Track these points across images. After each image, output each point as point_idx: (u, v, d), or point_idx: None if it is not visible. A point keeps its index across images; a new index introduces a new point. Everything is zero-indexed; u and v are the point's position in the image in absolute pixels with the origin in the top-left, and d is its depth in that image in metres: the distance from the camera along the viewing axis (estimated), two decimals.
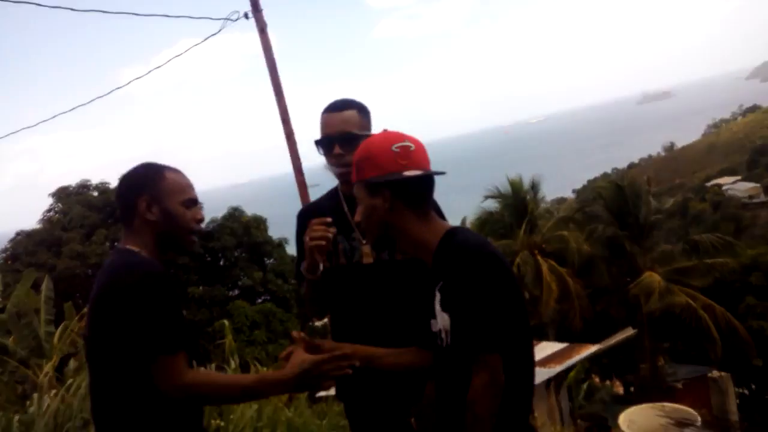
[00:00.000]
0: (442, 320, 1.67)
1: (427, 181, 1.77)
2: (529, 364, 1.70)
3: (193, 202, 1.98)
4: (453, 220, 2.49)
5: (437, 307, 1.68)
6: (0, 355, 8.96)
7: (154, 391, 1.72)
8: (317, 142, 2.33)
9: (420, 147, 1.77)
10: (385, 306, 2.28)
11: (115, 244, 2.10)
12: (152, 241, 1.90)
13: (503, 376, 1.56)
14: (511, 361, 1.61)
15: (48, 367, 8.58)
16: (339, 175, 2.33)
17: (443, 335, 1.68)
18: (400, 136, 1.77)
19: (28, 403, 5.80)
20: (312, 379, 1.72)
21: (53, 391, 5.74)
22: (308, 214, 2.43)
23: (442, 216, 2.32)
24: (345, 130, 2.26)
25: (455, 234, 1.72)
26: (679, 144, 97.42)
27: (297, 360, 1.73)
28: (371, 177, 1.74)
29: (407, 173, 1.70)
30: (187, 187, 1.98)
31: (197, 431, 1.92)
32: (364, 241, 2.29)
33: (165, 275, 1.79)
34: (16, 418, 5.17)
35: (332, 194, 2.45)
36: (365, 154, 1.77)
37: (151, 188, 1.90)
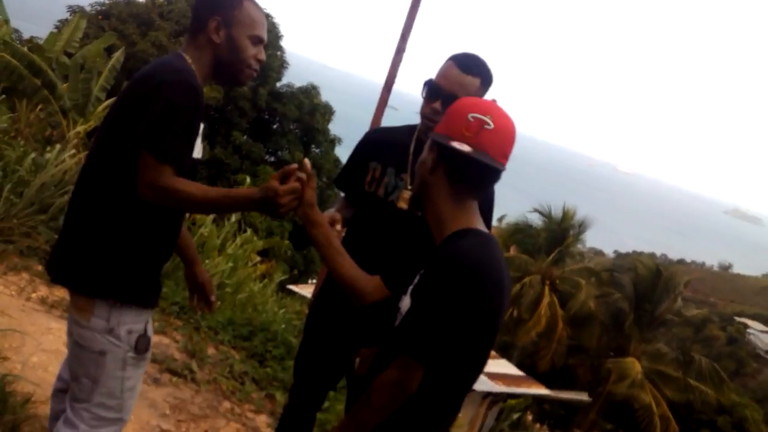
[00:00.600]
0: (404, 303, 1.62)
1: (474, 166, 1.55)
2: (463, 387, 1.63)
3: (259, 40, 1.92)
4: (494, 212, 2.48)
5: (410, 288, 1.63)
6: (47, 94, 9.25)
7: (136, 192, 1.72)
8: (427, 83, 2.24)
9: (501, 130, 1.56)
10: (391, 253, 2.28)
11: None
12: (209, 62, 1.87)
13: (413, 386, 1.51)
14: (442, 380, 1.56)
15: (81, 128, 8.89)
16: (424, 126, 2.28)
17: (398, 316, 1.64)
18: (487, 109, 1.57)
19: (48, 148, 6.06)
20: (270, 205, 1.70)
21: (73, 151, 5.98)
22: (378, 138, 2.48)
23: (488, 212, 2.33)
24: (456, 93, 2.12)
25: (463, 237, 1.59)
26: (737, 270, 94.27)
27: (266, 186, 1.73)
28: (438, 133, 1.62)
29: (456, 144, 1.54)
30: (260, 23, 1.92)
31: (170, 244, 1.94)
32: (409, 187, 2.28)
33: (198, 93, 1.76)
34: (32, 156, 5.41)
35: (409, 130, 2.40)
36: (449, 110, 1.64)
37: (226, 11, 1.85)
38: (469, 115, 1.55)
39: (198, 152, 1.90)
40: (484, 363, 1.64)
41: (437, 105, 2.18)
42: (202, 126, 1.87)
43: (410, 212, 2.28)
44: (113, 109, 1.81)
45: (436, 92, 2.20)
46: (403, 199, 2.28)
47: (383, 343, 1.72)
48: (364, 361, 2.31)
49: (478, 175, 1.59)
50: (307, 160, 1.84)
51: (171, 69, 1.75)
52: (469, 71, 2.17)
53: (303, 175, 1.75)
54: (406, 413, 1.57)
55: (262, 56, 1.94)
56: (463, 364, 1.57)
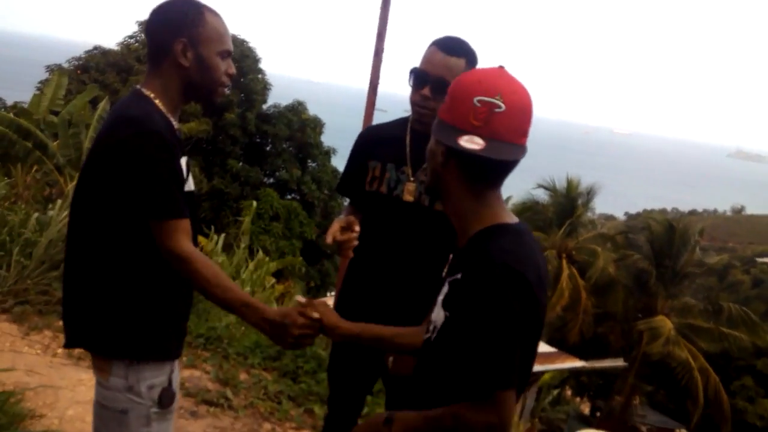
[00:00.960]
0: (437, 315, 1.45)
1: (490, 162, 1.37)
2: (523, 384, 1.45)
3: (228, 53, 1.80)
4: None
5: (440, 297, 1.46)
6: (40, 154, 9.32)
7: (143, 253, 1.67)
8: (413, 71, 2.22)
9: (515, 110, 1.36)
10: (405, 248, 2.29)
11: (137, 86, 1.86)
12: (178, 87, 1.76)
13: (512, 415, 1.34)
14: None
15: None
16: (415, 114, 2.26)
17: (431, 328, 1.47)
18: (494, 87, 1.36)
19: (50, 206, 6.10)
20: (282, 330, 1.69)
21: None
22: (372, 136, 2.47)
23: None
24: (443, 76, 2.12)
25: (493, 236, 1.41)
26: (750, 210, 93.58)
27: (286, 311, 1.70)
28: (441, 119, 1.44)
29: (464, 143, 1.35)
30: (226, 35, 1.79)
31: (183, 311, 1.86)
32: (411, 178, 2.27)
33: (162, 135, 1.64)
34: (35, 216, 5.45)
35: (401, 123, 2.39)
36: (452, 89, 1.43)
37: (190, 30, 1.71)
38: (476, 99, 1.36)
39: (191, 185, 1.83)
40: (534, 358, 1.50)
41: (426, 91, 2.17)
42: (185, 159, 1.78)
43: (417, 204, 2.27)
44: (84, 168, 1.73)
45: (422, 78, 2.18)
46: (408, 192, 2.28)
47: (422, 352, 1.56)
48: (397, 359, 2.31)
49: (495, 170, 1.42)
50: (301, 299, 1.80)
51: (126, 122, 1.64)
52: (453, 53, 2.16)
53: (316, 314, 1.73)
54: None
55: (232, 70, 1.84)
56: (522, 366, 1.41)
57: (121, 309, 1.70)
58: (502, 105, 1.35)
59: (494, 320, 1.30)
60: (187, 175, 1.80)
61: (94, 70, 20.66)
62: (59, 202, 6.19)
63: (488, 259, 1.34)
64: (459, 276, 1.40)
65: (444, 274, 1.56)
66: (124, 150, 1.61)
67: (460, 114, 1.38)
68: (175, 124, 1.77)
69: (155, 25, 1.75)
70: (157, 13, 1.75)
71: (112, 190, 1.64)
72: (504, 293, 1.31)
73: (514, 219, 1.48)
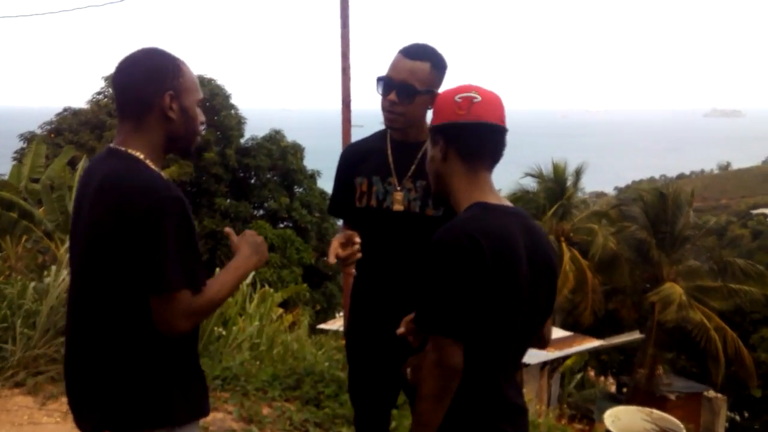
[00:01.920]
0: None
1: (481, 131, 1.66)
2: (500, 351, 1.62)
3: (201, 102, 1.79)
4: None
5: None
6: (27, 223, 9.25)
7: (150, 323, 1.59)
8: (379, 79, 2.26)
9: (490, 101, 1.67)
10: (404, 257, 2.29)
11: (110, 145, 1.76)
12: (160, 141, 1.70)
13: (455, 361, 1.53)
14: (477, 348, 1.57)
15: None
16: (387, 120, 2.28)
17: None
18: (468, 88, 1.69)
19: (45, 273, 6.03)
20: (259, 246, 1.84)
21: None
22: (354, 153, 2.46)
23: None
24: (407, 80, 2.17)
25: (466, 211, 1.65)
26: (736, 165, 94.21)
27: (240, 238, 1.85)
28: (434, 125, 1.72)
29: (456, 120, 1.65)
30: (198, 85, 1.78)
31: (193, 364, 1.79)
32: (398, 188, 2.28)
33: (182, 199, 1.60)
34: (32, 285, 5.38)
35: (381, 136, 2.42)
36: (435, 104, 1.76)
37: (173, 82, 1.67)
38: (456, 97, 1.67)
39: None
40: (516, 324, 1.62)
41: (392, 96, 2.20)
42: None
43: (408, 212, 2.28)
44: (85, 235, 1.64)
45: (388, 84, 2.22)
46: (397, 201, 2.29)
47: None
48: (415, 369, 2.28)
49: (485, 138, 1.68)
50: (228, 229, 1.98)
51: (139, 192, 1.55)
52: (416, 57, 2.19)
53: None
54: (469, 390, 1.59)
55: (203, 117, 1.81)
56: (494, 327, 1.58)
57: (157, 376, 1.64)
58: (479, 96, 1.67)
59: (431, 275, 1.56)
60: None
61: (67, 131, 20.64)
62: (53, 268, 6.12)
63: (442, 229, 1.58)
64: None
65: None
66: (159, 215, 1.53)
67: (444, 112, 1.69)
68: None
69: (136, 79, 1.66)
70: (135, 66, 1.68)
71: (132, 261, 1.56)
72: (446, 255, 1.53)
73: (501, 201, 1.69)
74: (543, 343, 1.84)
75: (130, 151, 1.66)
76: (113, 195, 1.57)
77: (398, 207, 2.28)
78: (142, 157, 1.66)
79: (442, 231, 1.57)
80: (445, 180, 1.72)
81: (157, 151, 1.71)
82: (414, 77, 2.17)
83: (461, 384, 1.56)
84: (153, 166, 1.66)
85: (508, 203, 1.70)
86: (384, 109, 2.25)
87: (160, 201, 1.54)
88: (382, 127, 2.40)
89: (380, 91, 2.25)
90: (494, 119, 1.66)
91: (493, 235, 1.54)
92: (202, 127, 1.81)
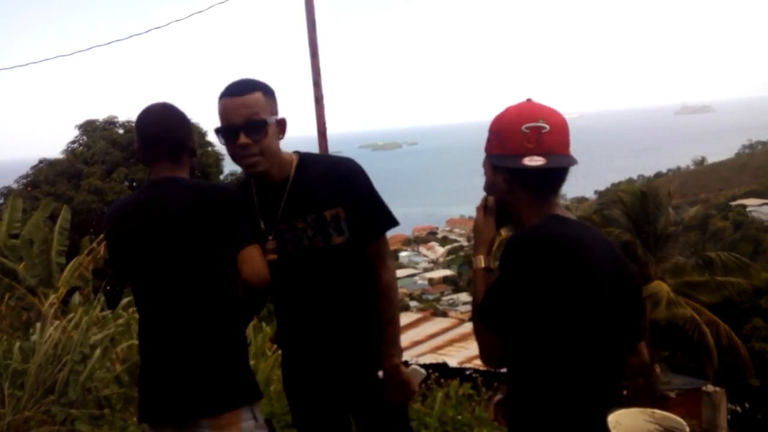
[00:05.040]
0: None
1: (551, 172, 1.61)
2: (593, 371, 1.55)
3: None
4: (471, 204, 2.43)
5: None
6: (9, 281, 9.12)
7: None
8: (218, 131, 2.08)
9: (558, 127, 1.61)
10: (325, 294, 2.19)
11: (151, 177, 2.13)
12: (188, 171, 2.17)
13: (486, 352, 1.65)
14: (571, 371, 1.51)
15: (54, 298, 8.74)
16: (247, 168, 2.11)
17: None
18: (535, 114, 1.61)
19: (31, 330, 5.94)
20: None
21: (56, 322, 5.86)
22: None
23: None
24: (250, 116, 2.01)
25: (544, 218, 1.62)
26: (711, 160, 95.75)
27: None
28: (495, 154, 1.66)
29: (529, 161, 1.56)
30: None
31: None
32: (269, 237, 2.15)
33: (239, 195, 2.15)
34: (18, 344, 5.30)
35: (245, 185, 2.26)
36: (495, 128, 1.67)
37: (191, 129, 2.20)
38: (523, 127, 1.59)
39: None
40: (597, 344, 1.53)
41: (243, 139, 2.03)
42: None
43: (283, 254, 2.15)
44: (181, 240, 1.99)
45: (231, 131, 2.04)
46: (270, 251, 2.14)
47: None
48: (388, 385, 2.21)
49: (556, 178, 1.65)
50: None
51: (213, 187, 2.16)
52: (245, 91, 2.05)
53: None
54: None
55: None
56: (560, 341, 1.49)
57: (238, 358, 2.02)
58: (547, 126, 1.59)
59: (505, 276, 1.55)
60: None
61: (44, 183, 20.42)
62: (38, 325, 6.04)
63: (517, 234, 1.59)
64: None
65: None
66: (228, 202, 2.04)
67: (512, 143, 1.61)
68: None
69: (173, 124, 2.11)
70: (171, 114, 2.12)
71: (214, 238, 1.98)
72: (518, 256, 1.53)
73: (571, 216, 1.68)
74: (642, 367, 1.82)
75: (180, 175, 2.11)
76: (211, 194, 2.05)
77: (272, 257, 2.12)
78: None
79: (521, 237, 1.57)
80: (514, 209, 1.70)
81: None
82: (255, 110, 2.02)
83: (563, 417, 1.52)
84: None
85: (574, 217, 1.70)
86: (237, 157, 2.09)
87: (234, 194, 2.09)
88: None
89: (225, 140, 2.08)
90: (563, 149, 1.62)
91: (562, 242, 1.54)
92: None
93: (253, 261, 1.97)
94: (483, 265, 1.71)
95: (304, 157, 2.23)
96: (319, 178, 2.15)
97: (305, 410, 2.34)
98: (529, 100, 1.68)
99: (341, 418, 2.34)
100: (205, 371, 1.94)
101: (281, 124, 2.14)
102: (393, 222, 2.24)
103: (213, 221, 1.97)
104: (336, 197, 2.13)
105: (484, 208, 1.76)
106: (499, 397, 1.95)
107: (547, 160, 1.56)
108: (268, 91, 2.10)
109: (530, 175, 1.60)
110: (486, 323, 1.60)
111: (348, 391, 2.26)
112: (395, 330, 2.21)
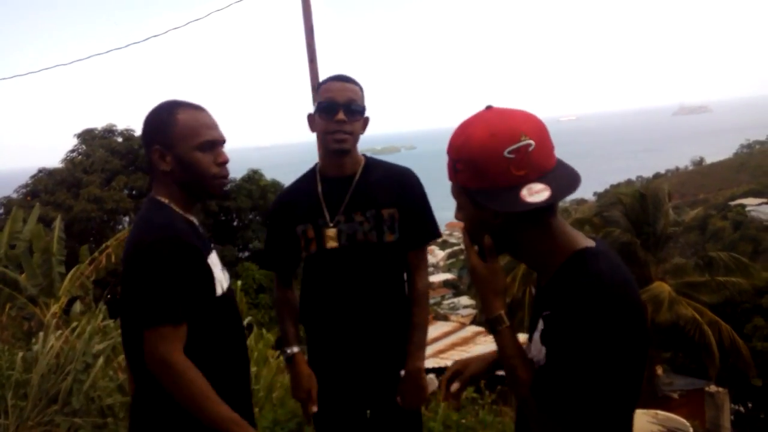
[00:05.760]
0: (536, 349, 1.36)
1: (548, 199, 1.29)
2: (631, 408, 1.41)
3: (210, 144, 1.80)
4: None
5: (536, 335, 1.37)
6: (10, 290, 9.10)
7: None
8: (319, 105, 2.25)
9: (541, 136, 1.28)
10: (370, 290, 2.29)
11: (150, 193, 1.91)
12: (178, 190, 1.79)
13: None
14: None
15: (55, 307, 8.73)
16: (334, 143, 2.25)
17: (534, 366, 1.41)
18: (512, 130, 1.27)
19: (33, 340, 5.92)
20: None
21: (59, 332, 5.85)
22: (286, 202, 2.43)
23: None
24: (352, 100, 2.24)
25: (588, 259, 1.31)
26: (709, 160, 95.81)
27: None
28: (476, 189, 1.31)
29: (531, 197, 1.25)
30: (203, 127, 1.79)
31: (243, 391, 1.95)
32: (330, 224, 2.28)
33: (181, 239, 1.68)
34: (20, 354, 5.28)
35: (309, 176, 2.41)
36: (466, 155, 1.30)
37: (161, 136, 1.75)
38: (506, 152, 1.25)
39: (225, 279, 1.89)
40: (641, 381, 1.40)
41: (341, 116, 2.21)
42: (214, 253, 1.85)
43: (341, 245, 2.27)
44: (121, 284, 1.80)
45: (333, 106, 2.22)
46: (330, 238, 2.28)
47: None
48: (406, 392, 2.31)
49: (554, 201, 1.31)
50: None
51: (148, 229, 1.71)
52: (348, 81, 2.28)
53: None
54: None
55: (223, 157, 1.83)
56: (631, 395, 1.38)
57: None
58: (532, 141, 1.26)
59: (598, 344, 1.23)
60: (223, 269, 1.89)
61: (43, 192, 20.43)
62: (41, 335, 6.03)
63: (591, 287, 1.25)
64: (550, 312, 1.32)
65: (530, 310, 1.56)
66: (145, 255, 1.65)
67: (496, 174, 1.27)
68: (195, 221, 1.83)
69: (142, 138, 1.83)
70: (143, 124, 1.82)
71: (131, 295, 1.71)
72: (611, 316, 1.23)
73: (590, 242, 1.38)
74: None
75: (157, 197, 1.80)
76: (133, 232, 1.75)
77: (332, 244, 2.27)
78: (166, 201, 1.79)
79: (597, 289, 1.25)
80: (512, 238, 1.38)
81: (178, 197, 1.81)
82: (353, 96, 2.25)
83: None
84: (177, 209, 1.79)
85: (590, 240, 1.40)
86: (329, 132, 2.24)
87: (159, 240, 1.67)
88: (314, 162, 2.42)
89: (322, 116, 2.25)
90: (551, 160, 1.31)
91: (630, 287, 1.30)
92: (217, 169, 1.82)
93: (149, 348, 1.65)
94: (508, 322, 1.40)
95: (370, 160, 2.42)
96: (382, 178, 2.34)
97: (325, 398, 2.39)
98: (489, 107, 1.35)
99: (359, 412, 2.39)
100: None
101: (366, 122, 2.36)
102: (438, 234, 2.42)
103: (126, 281, 1.71)
104: (394, 198, 2.31)
105: (481, 251, 1.42)
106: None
107: (552, 188, 1.26)
108: (362, 90, 2.32)
109: (528, 212, 1.28)
110: (550, 408, 1.28)
111: (370, 384, 2.34)
112: (423, 335, 2.35)
